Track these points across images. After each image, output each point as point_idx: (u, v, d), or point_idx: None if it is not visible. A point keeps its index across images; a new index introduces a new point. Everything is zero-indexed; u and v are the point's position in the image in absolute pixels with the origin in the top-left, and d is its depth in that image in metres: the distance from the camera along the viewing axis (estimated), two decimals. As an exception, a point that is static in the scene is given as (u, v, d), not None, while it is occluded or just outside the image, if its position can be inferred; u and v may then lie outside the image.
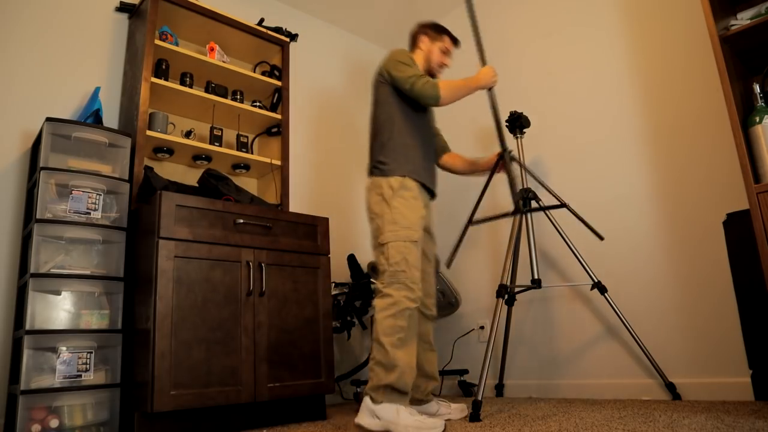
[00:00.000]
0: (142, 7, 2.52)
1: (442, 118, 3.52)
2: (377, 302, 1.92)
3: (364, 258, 3.35)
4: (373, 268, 3.17)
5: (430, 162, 2.21)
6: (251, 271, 2.19)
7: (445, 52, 2.31)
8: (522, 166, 2.58)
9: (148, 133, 2.34)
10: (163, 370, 1.87)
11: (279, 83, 2.86)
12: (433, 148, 2.30)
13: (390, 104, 2.12)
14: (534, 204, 2.51)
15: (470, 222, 2.59)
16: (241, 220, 2.20)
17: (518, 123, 2.62)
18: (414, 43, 2.33)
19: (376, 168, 2.08)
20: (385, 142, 2.09)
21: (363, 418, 1.81)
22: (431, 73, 2.30)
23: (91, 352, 1.94)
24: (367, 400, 1.82)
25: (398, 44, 3.97)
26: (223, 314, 2.09)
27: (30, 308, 1.87)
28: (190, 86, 2.60)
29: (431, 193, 2.19)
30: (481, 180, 2.61)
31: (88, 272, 2.00)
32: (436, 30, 2.31)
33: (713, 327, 2.23)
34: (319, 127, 3.42)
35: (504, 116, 3.14)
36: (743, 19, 1.96)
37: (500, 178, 2.59)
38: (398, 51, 2.15)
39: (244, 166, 2.77)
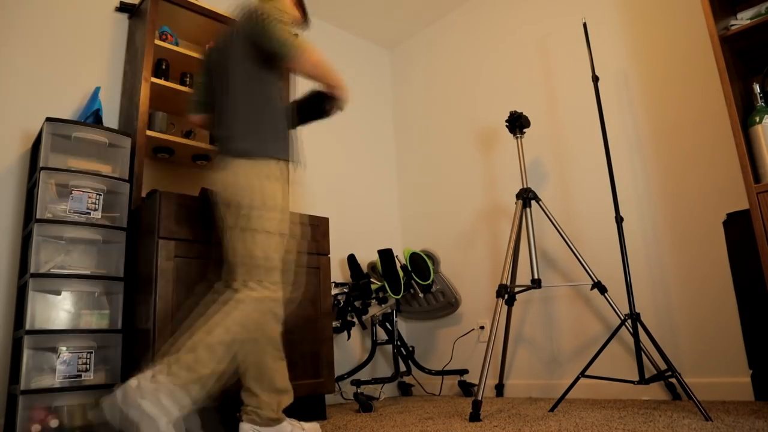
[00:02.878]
0: (142, 7, 2.52)
1: (439, 116, 3.53)
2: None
3: (364, 258, 3.35)
4: (373, 268, 3.17)
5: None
6: (251, 271, 2.18)
7: None
8: (522, 165, 2.58)
9: (148, 133, 2.34)
10: (163, 370, 1.86)
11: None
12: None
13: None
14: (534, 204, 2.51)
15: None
16: (241, 220, 2.20)
17: (518, 123, 2.62)
18: None
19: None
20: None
21: None
22: None
23: (91, 352, 1.94)
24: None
25: (400, 45, 3.98)
26: (223, 314, 2.09)
27: (30, 308, 1.87)
28: (190, 86, 2.60)
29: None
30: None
31: (88, 272, 2.00)
32: None
33: (713, 327, 2.24)
34: (319, 126, 3.41)
35: (504, 116, 3.15)
36: (743, 19, 1.96)
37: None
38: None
39: (244, 166, 2.77)
